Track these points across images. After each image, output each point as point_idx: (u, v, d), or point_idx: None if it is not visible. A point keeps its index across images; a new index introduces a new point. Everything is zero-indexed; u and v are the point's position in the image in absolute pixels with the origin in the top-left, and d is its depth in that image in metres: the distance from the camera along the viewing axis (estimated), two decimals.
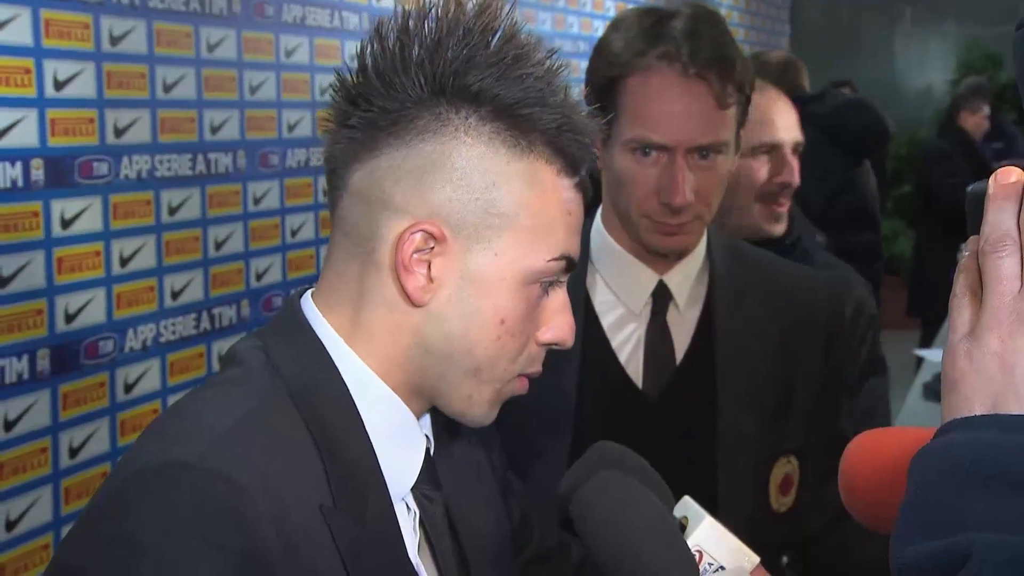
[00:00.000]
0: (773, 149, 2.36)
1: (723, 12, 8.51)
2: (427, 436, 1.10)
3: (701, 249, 1.65)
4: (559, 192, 1.03)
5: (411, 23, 1.00)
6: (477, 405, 1.05)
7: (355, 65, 1.03)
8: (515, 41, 1.01)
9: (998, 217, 0.71)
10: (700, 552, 1.14)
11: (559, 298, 1.06)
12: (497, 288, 1.00)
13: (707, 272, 1.65)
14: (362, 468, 1.00)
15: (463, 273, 1.00)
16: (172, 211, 3.17)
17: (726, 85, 1.52)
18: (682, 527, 1.15)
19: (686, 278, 1.64)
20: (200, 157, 3.29)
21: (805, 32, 11.32)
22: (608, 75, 1.55)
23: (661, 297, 1.62)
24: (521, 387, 1.07)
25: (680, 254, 1.62)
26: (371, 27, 1.03)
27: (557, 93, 1.02)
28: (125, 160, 3.03)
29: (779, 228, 2.39)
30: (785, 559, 1.62)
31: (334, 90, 1.05)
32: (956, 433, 0.69)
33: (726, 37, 1.57)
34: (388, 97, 1.00)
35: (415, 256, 0.99)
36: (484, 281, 1.00)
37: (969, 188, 0.74)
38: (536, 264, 1.01)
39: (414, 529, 1.07)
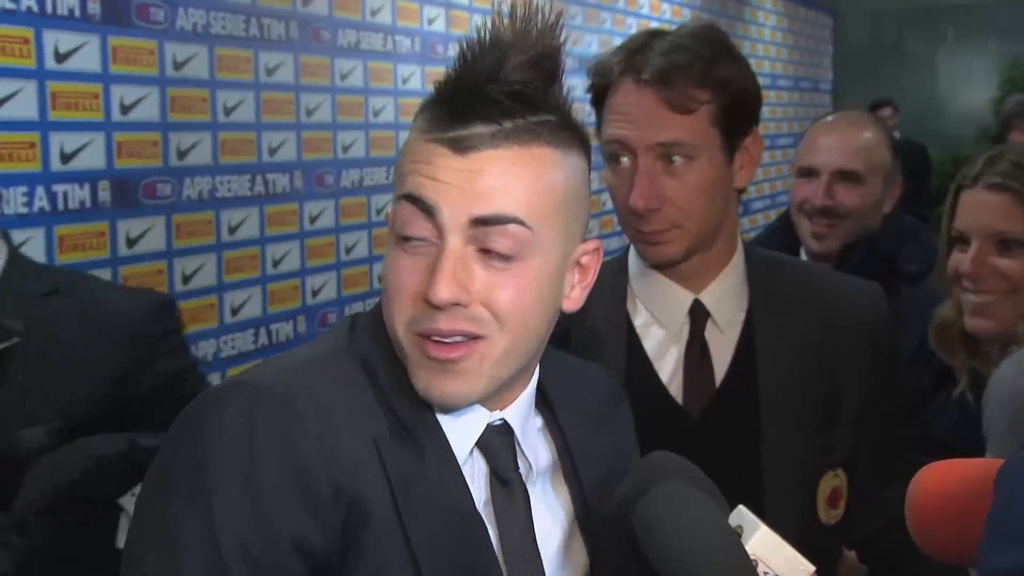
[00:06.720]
0: (810, 172, 2.45)
1: (767, 32, 8.54)
2: (505, 420, 1.12)
3: (738, 265, 1.66)
4: (411, 144, 1.07)
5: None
6: (413, 377, 1.05)
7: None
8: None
9: None
10: (756, 560, 1.17)
11: (431, 260, 1.03)
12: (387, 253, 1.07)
13: (746, 286, 1.66)
14: (422, 420, 1.06)
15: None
16: (232, 230, 3.27)
17: (682, 89, 1.53)
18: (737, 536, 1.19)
19: (724, 295, 1.64)
20: (259, 178, 3.39)
21: (848, 52, 11.30)
22: (595, 88, 1.63)
23: (698, 316, 1.63)
24: (435, 351, 1.04)
25: (668, 264, 1.62)
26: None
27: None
28: (187, 181, 3.12)
29: (817, 245, 2.44)
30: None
31: None
32: None
33: (689, 46, 1.57)
34: None
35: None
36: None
37: None
38: (393, 214, 1.06)
39: (483, 487, 1.10)
